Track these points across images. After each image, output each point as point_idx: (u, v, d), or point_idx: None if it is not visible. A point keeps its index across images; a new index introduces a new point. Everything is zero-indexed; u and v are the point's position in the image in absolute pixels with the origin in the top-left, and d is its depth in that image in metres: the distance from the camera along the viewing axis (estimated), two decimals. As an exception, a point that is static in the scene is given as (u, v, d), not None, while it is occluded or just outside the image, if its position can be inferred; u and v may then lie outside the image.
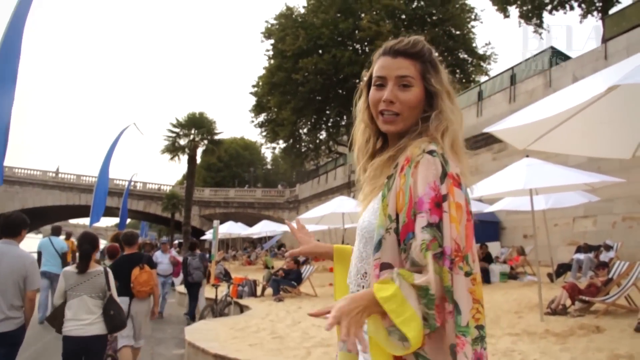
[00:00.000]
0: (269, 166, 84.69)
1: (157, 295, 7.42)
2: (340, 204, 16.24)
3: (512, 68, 22.52)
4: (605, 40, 18.07)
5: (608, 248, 15.03)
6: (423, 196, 1.53)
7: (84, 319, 5.08)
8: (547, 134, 4.39)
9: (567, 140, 4.49)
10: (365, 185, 1.79)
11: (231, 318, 10.71)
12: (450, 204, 1.53)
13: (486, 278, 14.51)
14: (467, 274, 1.52)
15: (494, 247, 18.20)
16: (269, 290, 14.90)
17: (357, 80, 36.69)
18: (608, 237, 15.62)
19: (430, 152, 1.58)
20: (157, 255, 13.95)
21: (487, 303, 7.01)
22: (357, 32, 44.03)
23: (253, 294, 14.99)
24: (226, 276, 19.93)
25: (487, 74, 45.81)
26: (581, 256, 14.66)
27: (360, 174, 1.87)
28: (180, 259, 15.05)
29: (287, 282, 14.56)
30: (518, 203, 12.59)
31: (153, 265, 7.68)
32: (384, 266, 1.57)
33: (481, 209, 15.75)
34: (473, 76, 46.99)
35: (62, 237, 13.64)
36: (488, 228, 20.01)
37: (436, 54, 1.77)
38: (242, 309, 11.99)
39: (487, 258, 16.76)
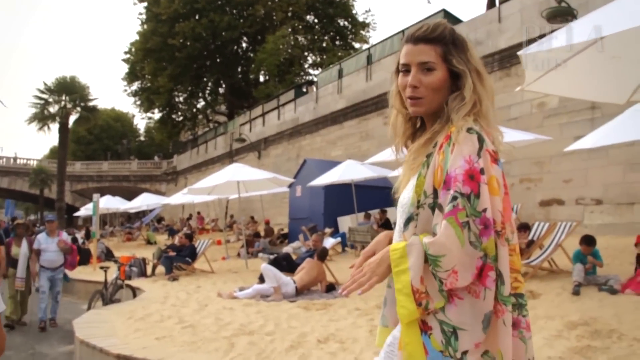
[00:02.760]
0: (142, 138, 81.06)
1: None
2: (235, 171, 14.98)
3: (402, 31, 21.94)
4: (499, 3, 17.95)
5: (508, 210, 14.93)
6: (456, 169, 1.59)
7: None
8: (549, 73, 3.61)
9: (568, 80, 3.73)
10: (405, 166, 1.83)
11: (125, 304, 9.32)
12: (490, 178, 1.58)
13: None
14: (509, 243, 1.59)
15: (391, 213, 17.78)
16: (160, 269, 13.62)
17: (236, 47, 35.50)
18: (506, 200, 15.55)
19: (468, 130, 1.63)
20: (41, 240, 10.15)
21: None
22: (235, -5, 42.41)
23: (143, 273, 13.59)
24: (108, 255, 18.37)
25: (366, 42, 45.80)
26: (482, 219, 14.47)
27: (394, 152, 1.95)
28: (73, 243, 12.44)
29: (181, 258, 13.29)
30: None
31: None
32: None
33: (383, 174, 15.27)
34: (353, 44, 46.82)
35: None
36: (380, 193, 19.49)
37: (459, 35, 1.80)
38: (134, 292, 10.67)
39: (386, 224, 16.29)
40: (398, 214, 1.80)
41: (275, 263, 10.46)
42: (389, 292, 1.80)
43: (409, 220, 1.70)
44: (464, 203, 1.54)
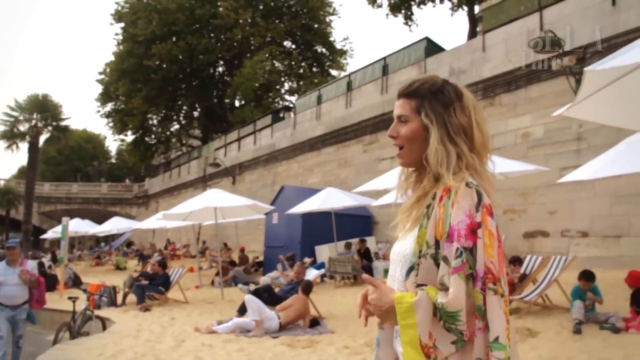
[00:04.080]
0: (113, 160, 79.86)
1: None
2: (214, 197, 14.40)
3: (384, 58, 21.74)
4: (484, 32, 17.82)
5: (492, 242, 14.63)
6: (459, 223, 1.66)
7: None
8: (589, 98, 3.22)
9: (607, 107, 3.35)
10: (402, 222, 1.87)
11: (95, 338, 8.67)
12: (484, 231, 1.66)
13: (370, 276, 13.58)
14: (502, 295, 1.61)
15: (370, 243, 17.38)
16: (131, 298, 12.97)
17: (212, 70, 35.11)
18: (489, 231, 15.26)
19: (467, 184, 1.71)
20: None
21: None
22: (214, 19, 42.08)
23: (113, 303, 12.93)
24: (76, 281, 17.61)
25: (343, 69, 45.78)
26: (466, 251, 14.12)
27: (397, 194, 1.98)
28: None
29: (154, 288, 12.63)
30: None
31: None
32: (420, 286, 1.71)
33: (366, 203, 14.96)
34: (330, 71, 46.81)
35: None
36: (359, 222, 19.10)
37: (449, 88, 1.86)
38: (104, 323, 10.04)
39: (366, 254, 15.88)
40: (394, 264, 1.86)
41: (255, 295, 9.93)
42: (382, 334, 1.86)
43: (410, 269, 1.75)
44: (467, 256, 1.63)
